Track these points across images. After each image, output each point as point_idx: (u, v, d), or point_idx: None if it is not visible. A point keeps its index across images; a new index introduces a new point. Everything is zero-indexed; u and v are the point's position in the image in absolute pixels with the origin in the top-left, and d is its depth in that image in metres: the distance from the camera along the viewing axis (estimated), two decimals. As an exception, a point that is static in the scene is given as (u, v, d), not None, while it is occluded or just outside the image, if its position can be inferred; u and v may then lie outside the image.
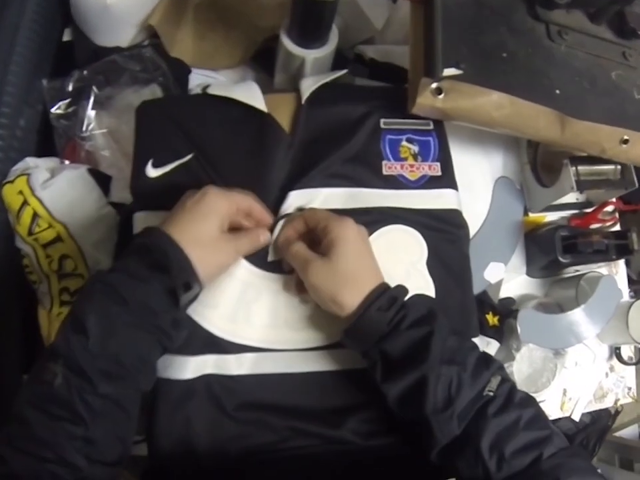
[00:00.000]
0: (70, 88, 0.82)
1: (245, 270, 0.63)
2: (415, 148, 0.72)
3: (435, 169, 0.72)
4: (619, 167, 0.85)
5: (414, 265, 0.68)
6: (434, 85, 0.67)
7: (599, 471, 1.12)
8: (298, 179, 0.67)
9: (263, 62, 0.89)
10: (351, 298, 0.56)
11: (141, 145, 0.68)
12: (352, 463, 0.59)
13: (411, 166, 0.71)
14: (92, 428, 0.48)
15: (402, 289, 0.59)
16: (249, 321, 0.62)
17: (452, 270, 0.69)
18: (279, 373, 0.62)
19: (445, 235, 0.70)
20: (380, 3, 0.88)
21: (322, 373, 0.62)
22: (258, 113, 0.69)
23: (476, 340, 0.81)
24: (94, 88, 0.82)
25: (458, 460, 0.53)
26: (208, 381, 0.59)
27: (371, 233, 0.66)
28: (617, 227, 0.95)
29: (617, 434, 1.17)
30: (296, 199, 0.66)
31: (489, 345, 0.85)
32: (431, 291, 0.67)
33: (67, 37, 0.88)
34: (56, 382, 0.48)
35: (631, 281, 1.03)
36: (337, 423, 0.60)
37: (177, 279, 0.53)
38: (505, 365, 0.84)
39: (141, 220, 0.66)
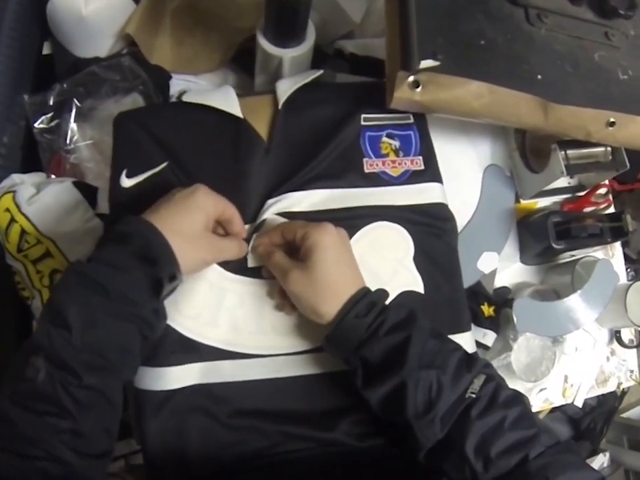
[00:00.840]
0: (51, 102, 0.82)
1: (222, 276, 0.63)
2: (395, 143, 0.71)
3: (418, 163, 0.71)
4: (609, 148, 0.84)
5: (400, 262, 0.67)
6: (411, 79, 0.66)
7: (608, 453, 1.13)
8: (277, 186, 0.66)
9: (243, 63, 0.88)
10: (330, 306, 0.56)
11: (117, 156, 0.68)
12: (347, 464, 0.59)
13: (393, 162, 0.70)
14: (79, 420, 0.47)
15: (382, 293, 0.58)
16: (234, 327, 0.62)
17: (440, 264, 0.68)
18: (268, 378, 0.61)
19: (431, 230, 0.69)
20: (358, -4, 0.87)
21: (311, 376, 0.62)
22: (233, 119, 0.68)
23: (471, 331, 0.81)
24: (75, 100, 0.82)
25: (444, 463, 0.53)
26: (195, 390, 0.59)
27: (355, 232, 0.66)
28: (611, 209, 0.93)
29: (624, 415, 1.17)
30: (276, 206, 0.65)
31: (485, 336, 0.84)
32: (419, 287, 0.66)
33: (46, 50, 0.88)
34: (39, 377, 0.47)
35: (630, 260, 1.02)
36: (330, 425, 0.60)
37: (164, 270, 0.53)
38: (503, 356, 0.84)
39: None
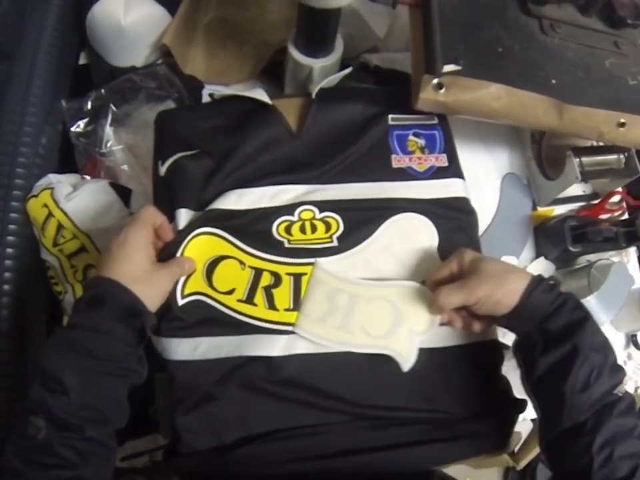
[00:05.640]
0: (88, 107, 0.87)
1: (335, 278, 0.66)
2: (421, 141, 0.75)
3: (442, 160, 0.75)
4: (622, 156, 0.88)
5: (425, 251, 0.70)
6: (435, 81, 0.70)
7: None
8: (304, 174, 0.70)
9: (272, 75, 0.93)
10: (516, 286, 0.60)
11: (156, 148, 0.73)
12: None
13: (419, 158, 0.74)
14: (82, 468, 0.51)
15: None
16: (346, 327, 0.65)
17: None
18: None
19: (454, 222, 0.72)
20: (381, 12, 0.92)
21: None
22: (262, 105, 0.73)
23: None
24: (111, 106, 0.86)
25: (568, 448, 0.56)
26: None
27: (383, 222, 0.69)
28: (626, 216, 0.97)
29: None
30: (306, 196, 0.69)
31: (505, 335, 0.86)
32: (442, 275, 0.69)
33: (82, 60, 0.93)
34: (40, 435, 0.50)
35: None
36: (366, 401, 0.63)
37: (142, 321, 0.58)
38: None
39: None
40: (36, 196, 0.79)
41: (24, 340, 0.79)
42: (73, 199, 0.79)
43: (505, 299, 0.60)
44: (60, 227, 0.78)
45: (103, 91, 0.86)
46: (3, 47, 0.81)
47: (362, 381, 0.63)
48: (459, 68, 0.71)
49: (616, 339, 0.94)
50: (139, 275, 0.59)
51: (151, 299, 0.60)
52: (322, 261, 0.66)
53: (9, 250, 0.78)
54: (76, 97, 0.88)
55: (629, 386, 0.93)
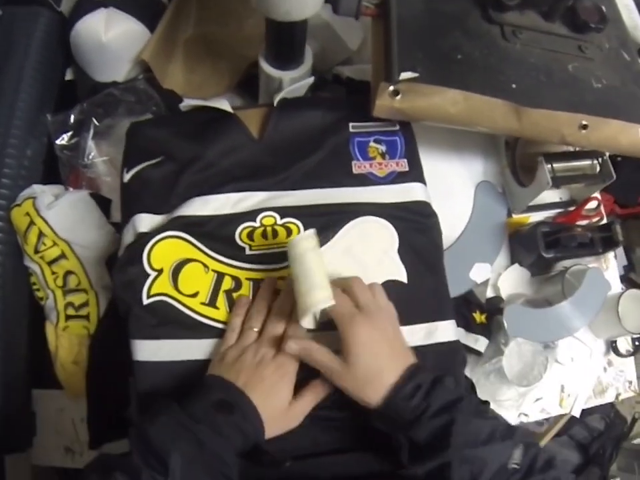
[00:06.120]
0: (72, 121, 0.90)
1: None
2: (382, 147, 0.77)
3: (403, 165, 0.76)
4: (595, 161, 0.88)
5: (386, 253, 0.71)
6: (391, 88, 0.72)
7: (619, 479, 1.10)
8: (266, 180, 0.72)
9: (248, 88, 0.96)
10: (374, 394, 0.58)
11: (124, 157, 0.76)
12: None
13: (379, 164, 0.76)
14: None
15: (426, 374, 0.59)
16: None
17: (423, 257, 0.72)
18: None
19: (415, 225, 0.73)
20: (354, 25, 0.94)
21: None
22: (224, 114, 0.76)
23: (463, 336, 0.83)
24: (94, 120, 0.90)
25: None
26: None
27: (343, 225, 0.71)
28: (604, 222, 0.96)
29: (636, 441, 1.14)
30: (266, 202, 0.71)
31: (477, 342, 0.86)
32: (402, 277, 0.70)
33: (69, 76, 0.98)
34: None
35: (636, 286, 1.04)
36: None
37: (255, 440, 0.57)
38: (494, 360, 0.85)
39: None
40: (19, 205, 0.83)
41: (7, 340, 0.82)
42: (54, 207, 0.83)
43: (364, 404, 0.59)
44: (41, 234, 0.82)
45: (85, 105, 0.90)
46: (-10, 63, 0.86)
47: None
48: (416, 75, 0.72)
49: (595, 345, 0.93)
50: (276, 414, 0.59)
51: (274, 431, 0.59)
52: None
53: (-6, 257, 0.83)
54: (62, 111, 0.91)
55: (609, 393, 0.92)
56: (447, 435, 0.55)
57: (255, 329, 0.64)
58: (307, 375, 0.62)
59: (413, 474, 0.57)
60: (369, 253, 0.70)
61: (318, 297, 0.59)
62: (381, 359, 0.59)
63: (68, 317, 0.84)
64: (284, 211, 0.71)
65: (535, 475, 0.54)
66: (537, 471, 0.54)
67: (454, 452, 0.54)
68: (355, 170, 0.75)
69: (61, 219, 0.83)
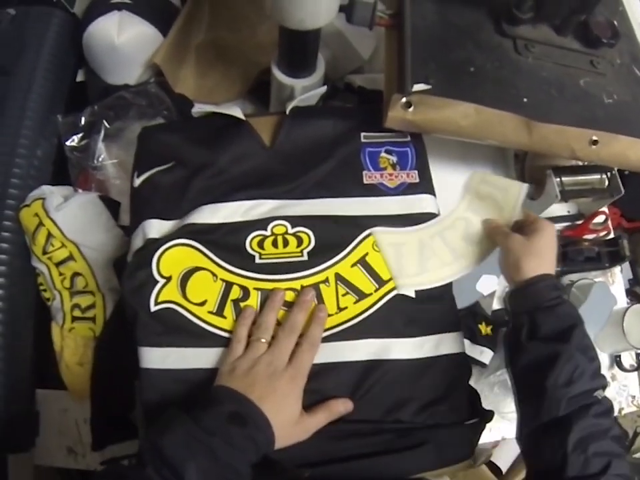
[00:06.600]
0: (83, 122, 0.91)
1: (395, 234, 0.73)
2: (393, 158, 0.77)
3: (413, 177, 0.76)
4: (604, 175, 0.88)
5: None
6: (404, 100, 0.72)
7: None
8: (276, 188, 0.72)
9: (260, 95, 0.96)
10: (530, 267, 0.68)
11: (135, 161, 0.76)
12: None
13: (390, 174, 0.76)
14: None
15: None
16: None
17: None
18: None
19: None
20: (367, 34, 0.94)
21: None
22: (236, 121, 0.76)
23: (468, 348, 0.83)
24: (105, 122, 0.91)
25: (544, 443, 0.60)
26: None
27: (354, 238, 0.71)
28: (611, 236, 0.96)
29: (637, 455, 1.14)
30: (277, 210, 0.71)
31: (482, 354, 0.86)
32: (411, 291, 0.70)
33: (80, 77, 0.98)
34: None
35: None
36: None
37: (267, 450, 0.57)
38: (499, 372, 0.85)
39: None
40: (28, 205, 0.84)
41: (12, 340, 0.82)
42: (63, 209, 0.83)
43: (515, 272, 0.69)
44: (49, 235, 0.82)
45: (96, 107, 0.90)
46: (3, 62, 0.86)
47: None
48: (428, 87, 0.73)
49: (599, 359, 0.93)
50: (287, 426, 0.58)
51: (285, 442, 0.59)
52: (377, 230, 0.72)
53: (2, 256, 0.83)
54: (73, 112, 0.92)
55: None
56: (569, 332, 0.64)
57: (263, 340, 0.64)
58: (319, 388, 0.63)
59: (516, 362, 0.67)
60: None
61: None
62: (549, 253, 0.71)
63: (74, 319, 0.84)
64: (295, 220, 0.71)
65: (608, 418, 0.60)
66: (611, 418, 0.61)
67: (569, 347, 0.62)
68: (366, 180, 0.75)
69: (69, 220, 0.83)
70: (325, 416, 0.61)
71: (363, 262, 0.69)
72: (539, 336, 0.64)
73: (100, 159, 0.90)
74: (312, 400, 0.62)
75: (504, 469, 1.07)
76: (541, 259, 0.69)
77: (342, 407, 0.62)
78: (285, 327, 0.64)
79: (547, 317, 0.65)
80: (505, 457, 1.07)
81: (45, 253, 0.83)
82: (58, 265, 0.84)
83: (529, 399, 0.64)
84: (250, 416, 0.56)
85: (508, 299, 0.71)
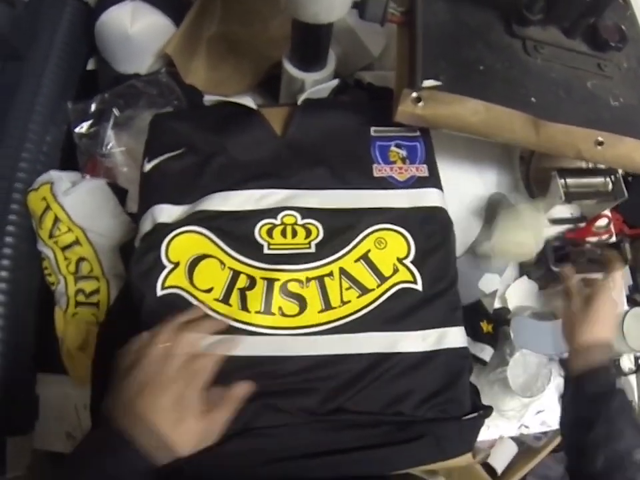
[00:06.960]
0: (92, 110, 0.91)
1: None
2: (403, 152, 0.78)
3: (422, 170, 0.77)
4: (608, 179, 0.89)
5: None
6: (414, 95, 0.73)
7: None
8: (287, 178, 0.73)
9: (269, 88, 0.97)
10: (584, 337, 0.72)
11: (145, 147, 0.77)
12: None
13: (400, 168, 0.77)
14: None
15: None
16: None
17: (437, 263, 0.72)
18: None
19: (430, 231, 0.73)
20: (378, 31, 0.95)
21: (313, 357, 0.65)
22: (247, 110, 0.76)
23: (469, 345, 0.84)
24: (114, 110, 0.91)
25: None
26: None
27: (361, 232, 0.71)
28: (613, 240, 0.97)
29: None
30: (287, 201, 0.72)
31: (483, 351, 0.86)
32: (418, 285, 0.70)
33: (90, 66, 0.99)
34: None
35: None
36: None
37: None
38: (499, 370, 0.86)
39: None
40: (36, 190, 0.84)
41: (15, 324, 0.82)
42: (71, 194, 0.83)
43: (569, 335, 0.75)
44: (56, 220, 0.83)
45: (107, 95, 0.91)
46: (16, 48, 0.87)
47: None
48: (438, 83, 0.73)
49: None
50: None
51: (186, 449, 0.53)
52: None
53: (8, 239, 0.83)
54: (82, 99, 0.92)
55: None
56: (607, 396, 0.67)
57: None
58: None
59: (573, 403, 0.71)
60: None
61: None
62: (608, 318, 0.74)
63: (78, 304, 0.84)
64: (305, 212, 0.72)
65: None
66: None
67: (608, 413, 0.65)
68: (376, 173, 0.76)
69: (77, 205, 0.83)
70: (227, 408, 0.56)
71: (365, 258, 0.70)
72: (584, 396, 0.68)
73: (109, 147, 0.91)
74: (313, 393, 0.62)
75: (499, 470, 1.07)
76: (594, 322, 0.72)
77: (241, 390, 0.57)
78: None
79: (594, 381, 0.69)
80: (501, 457, 1.07)
81: (51, 236, 0.83)
82: (64, 249, 0.84)
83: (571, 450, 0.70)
84: (118, 447, 0.51)
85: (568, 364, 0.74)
